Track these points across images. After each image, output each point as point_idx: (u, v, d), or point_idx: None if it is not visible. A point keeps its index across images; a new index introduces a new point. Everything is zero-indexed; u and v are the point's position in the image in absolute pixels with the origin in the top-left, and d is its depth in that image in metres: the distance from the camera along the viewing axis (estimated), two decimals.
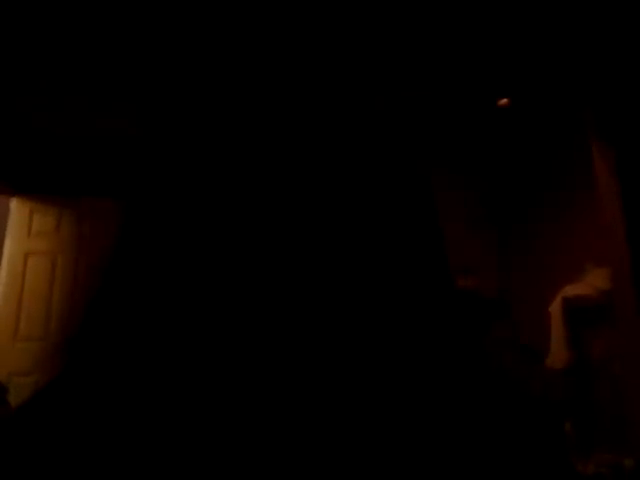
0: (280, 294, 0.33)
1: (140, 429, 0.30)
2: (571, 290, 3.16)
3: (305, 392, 0.31)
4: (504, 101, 3.55)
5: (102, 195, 3.69)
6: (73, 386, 0.33)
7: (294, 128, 0.36)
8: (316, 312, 0.32)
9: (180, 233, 0.35)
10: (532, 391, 2.55)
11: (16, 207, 3.94)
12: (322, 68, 0.38)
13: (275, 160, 0.35)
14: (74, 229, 3.94)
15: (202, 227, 0.34)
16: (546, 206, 3.90)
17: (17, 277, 3.81)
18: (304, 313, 0.32)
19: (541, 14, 2.68)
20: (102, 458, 0.29)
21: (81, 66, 2.99)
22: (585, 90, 3.01)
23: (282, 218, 0.34)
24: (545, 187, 3.94)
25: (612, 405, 2.77)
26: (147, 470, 0.29)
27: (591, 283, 3.10)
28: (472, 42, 2.92)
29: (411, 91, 3.15)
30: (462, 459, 0.31)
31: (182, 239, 0.34)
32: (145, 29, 2.44)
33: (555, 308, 3.16)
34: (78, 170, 3.92)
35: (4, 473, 0.30)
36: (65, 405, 0.32)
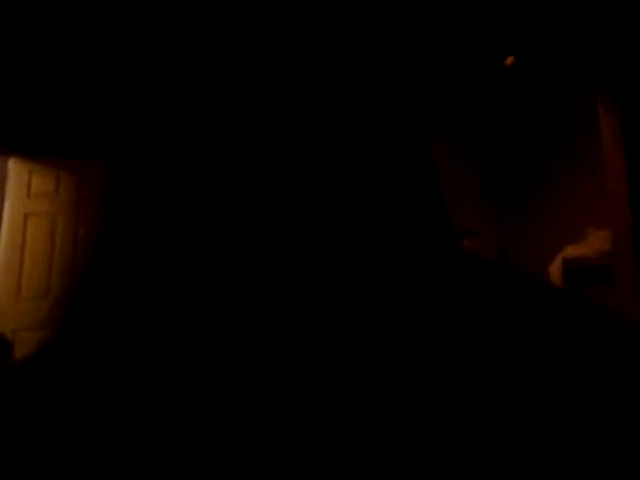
0: (276, 250, 0.32)
1: (142, 385, 0.30)
2: (571, 251, 3.17)
3: (304, 365, 0.31)
4: (510, 60, 3.48)
5: (100, 158, 3.66)
6: (76, 341, 0.34)
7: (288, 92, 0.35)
8: (309, 288, 0.32)
9: (178, 196, 0.34)
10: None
11: (15, 168, 3.91)
12: (321, 24, 0.37)
13: (263, 114, 0.34)
14: (73, 191, 3.93)
15: (201, 193, 0.34)
16: (548, 168, 3.88)
17: (18, 237, 3.82)
18: (298, 288, 0.32)
19: None
20: (103, 412, 0.30)
21: (80, 27, 2.92)
22: (591, 48, 2.94)
23: (280, 182, 0.33)
24: (548, 148, 3.90)
25: None
26: (150, 428, 0.29)
27: (591, 245, 3.11)
28: (477, 4, 2.84)
29: (412, 52, 3.08)
30: (464, 435, 0.31)
31: (180, 202, 0.34)
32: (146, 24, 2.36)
33: (554, 269, 3.18)
34: (76, 132, 3.87)
35: (6, 427, 0.30)
36: (68, 360, 0.33)
